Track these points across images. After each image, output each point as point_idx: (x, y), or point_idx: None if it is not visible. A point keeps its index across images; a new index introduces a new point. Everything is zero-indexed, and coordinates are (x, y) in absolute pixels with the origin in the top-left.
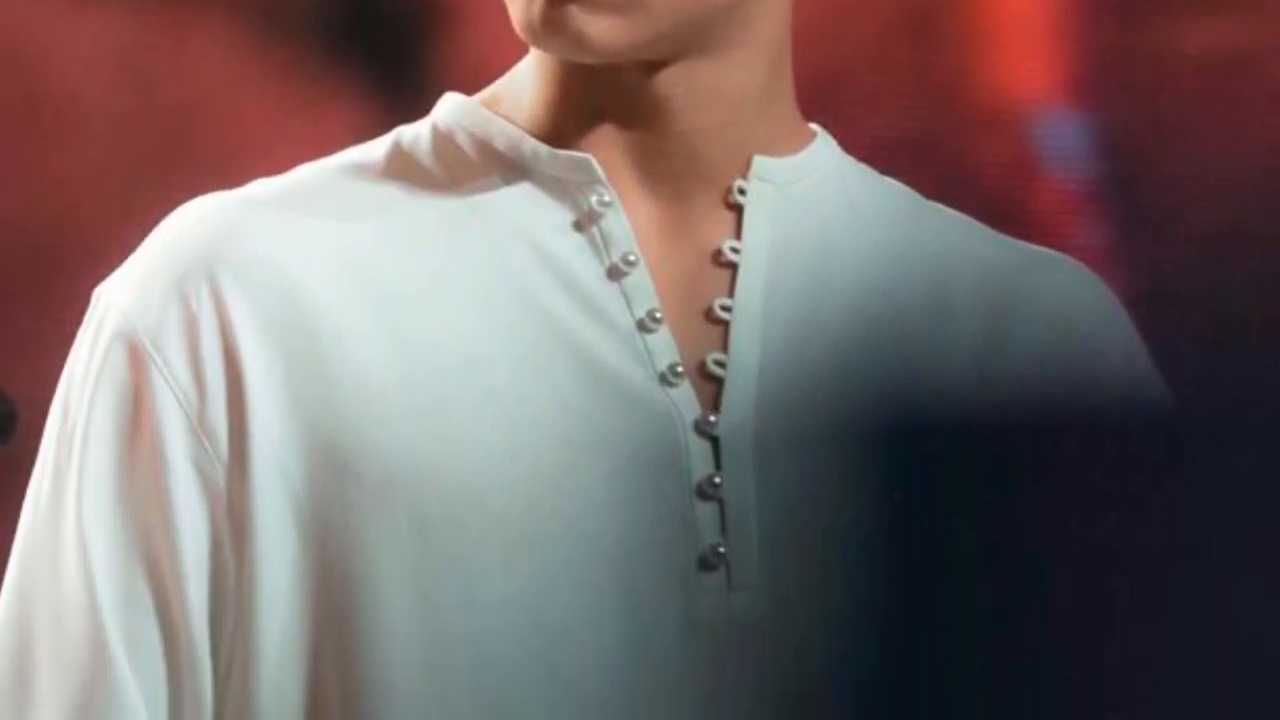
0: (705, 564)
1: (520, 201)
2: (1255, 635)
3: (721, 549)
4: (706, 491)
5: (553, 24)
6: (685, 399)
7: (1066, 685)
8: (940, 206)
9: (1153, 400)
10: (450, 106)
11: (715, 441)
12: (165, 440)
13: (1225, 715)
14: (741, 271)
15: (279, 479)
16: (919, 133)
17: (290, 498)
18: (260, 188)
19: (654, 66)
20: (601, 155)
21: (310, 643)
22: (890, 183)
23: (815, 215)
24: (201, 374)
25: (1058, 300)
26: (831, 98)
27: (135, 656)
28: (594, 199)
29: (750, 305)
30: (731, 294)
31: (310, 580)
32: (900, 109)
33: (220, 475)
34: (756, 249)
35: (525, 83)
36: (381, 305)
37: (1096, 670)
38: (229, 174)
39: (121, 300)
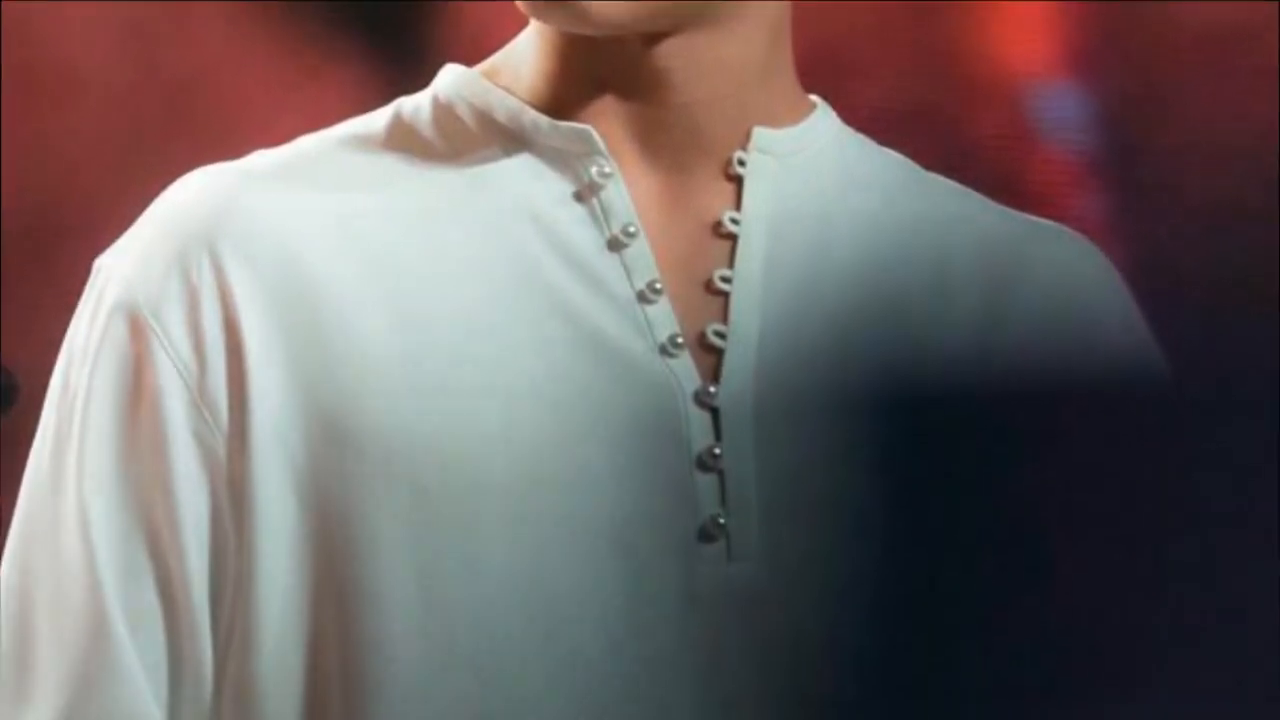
0: (705, 535)
1: (520, 173)
2: (1253, 605)
3: (721, 520)
4: (706, 462)
5: None
6: (685, 370)
7: (1065, 655)
8: (939, 177)
9: (1151, 371)
10: (451, 78)
11: (715, 412)
12: (166, 411)
13: (1223, 686)
14: (741, 243)
15: (279, 450)
16: (918, 104)
17: (290, 469)
18: (261, 159)
19: (654, 38)
20: (602, 127)
21: (310, 613)
22: (889, 154)
23: (815, 186)
24: (202, 345)
25: (1057, 271)
26: (831, 69)
27: (135, 627)
28: (594, 170)
29: (750, 276)
30: (731, 265)
31: (310, 551)
32: (899, 80)
33: (220, 446)
34: (756, 220)
35: (525, 54)
36: (382, 276)
37: (1095, 640)
38: (230, 145)
39: (122, 271)
